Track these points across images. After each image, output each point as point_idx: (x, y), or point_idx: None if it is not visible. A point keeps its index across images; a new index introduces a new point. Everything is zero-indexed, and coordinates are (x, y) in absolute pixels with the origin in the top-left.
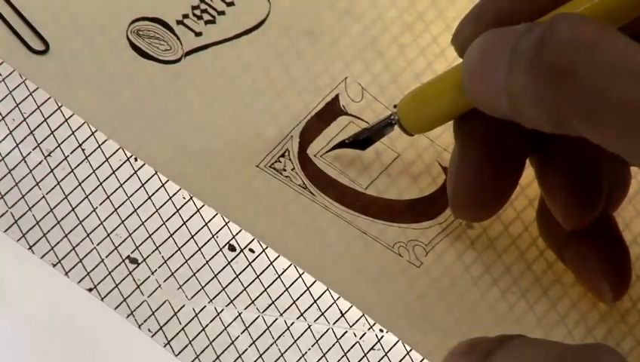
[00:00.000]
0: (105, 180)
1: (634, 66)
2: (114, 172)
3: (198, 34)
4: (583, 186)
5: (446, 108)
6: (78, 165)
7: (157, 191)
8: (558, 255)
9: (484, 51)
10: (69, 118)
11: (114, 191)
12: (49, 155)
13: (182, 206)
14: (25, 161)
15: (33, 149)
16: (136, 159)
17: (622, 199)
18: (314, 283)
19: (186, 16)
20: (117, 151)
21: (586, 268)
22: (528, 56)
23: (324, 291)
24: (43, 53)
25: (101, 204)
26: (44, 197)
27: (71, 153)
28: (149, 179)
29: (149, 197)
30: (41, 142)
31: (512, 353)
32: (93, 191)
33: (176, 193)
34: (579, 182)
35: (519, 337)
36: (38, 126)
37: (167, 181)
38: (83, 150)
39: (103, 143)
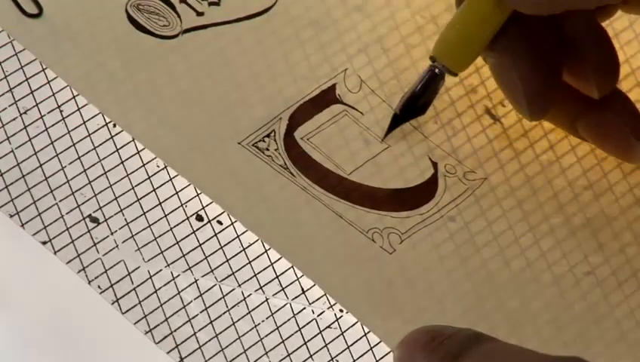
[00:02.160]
0: (78, 142)
1: None
2: (89, 135)
3: (200, 13)
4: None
5: (481, 32)
6: (54, 125)
7: (131, 157)
8: (570, 130)
9: None
10: (51, 80)
11: (86, 153)
12: (25, 113)
13: (154, 174)
14: None
15: (9, 105)
16: (114, 125)
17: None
18: (278, 259)
19: None
20: (96, 115)
21: (610, 128)
22: None
23: (288, 268)
24: (36, 16)
25: (70, 163)
26: (12, 151)
27: (48, 113)
28: (124, 145)
29: (122, 162)
30: (19, 100)
31: (484, 358)
32: (64, 150)
33: (150, 161)
34: (605, 55)
35: (492, 340)
36: (18, 84)
37: (143, 149)
38: (61, 111)
39: (82, 107)
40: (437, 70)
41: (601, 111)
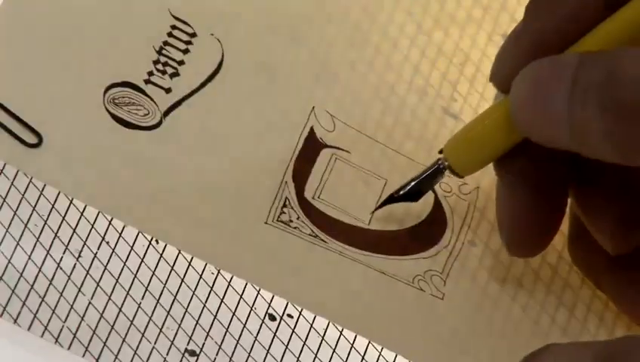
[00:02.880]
0: (138, 271)
1: None
2: (142, 260)
3: (167, 90)
4: (631, 212)
5: (494, 145)
6: (109, 262)
7: (187, 270)
8: (594, 281)
9: (536, 82)
10: (82, 211)
11: (149, 282)
12: (80, 256)
13: (213, 282)
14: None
15: (64, 253)
16: (157, 241)
17: None
18: (355, 338)
19: (150, 73)
20: (137, 236)
21: (630, 293)
22: (597, 90)
23: (367, 344)
24: (36, 145)
25: (143, 298)
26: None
27: (98, 250)
28: (175, 260)
29: (182, 280)
30: (68, 244)
31: (554, 357)
32: (131, 286)
33: (204, 269)
34: (628, 209)
35: (550, 346)
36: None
37: (192, 259)
38: (107, 243)
39: (122, 231)
40: (442, 166)
41: (623, 272)
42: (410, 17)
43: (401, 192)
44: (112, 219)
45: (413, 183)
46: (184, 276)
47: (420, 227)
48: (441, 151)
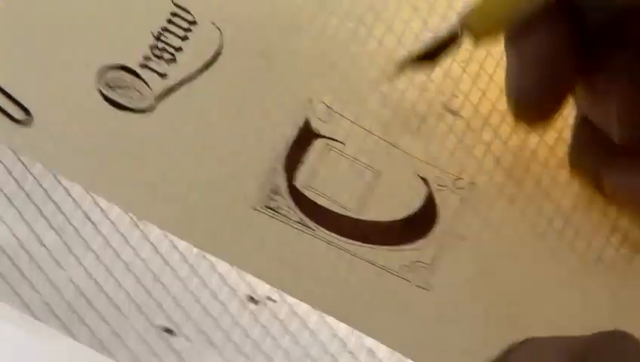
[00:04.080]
0: (122, 251)
1: None
2: (127, 240)
3: (162, 75)
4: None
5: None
6: (93, 237)
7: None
8: (595, 181)
9: None
10: (68, 188)
11: (130, 260)
12: (60, 232)
13: (196, 263)
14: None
15: (47, 230)
16: (139, 220)
17: None
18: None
19: (147, 58)
20: (121, 215)
21: (633, 190)
22: None
23: (350, 332)
24: (26, 122)
25: (124, 276)
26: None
27: (81, 226)
28: (159, 240)
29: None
30: (50, 218)
31: (530, 349)
32: (114, 264)
33: (187, 250)
34: (635, 90)
35: (528, 340)
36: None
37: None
38: (90, 220)
39: (108, 210)
40: (459, 31)
41: (626, 164)
42: (417, 13)
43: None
44: (96, 198)
45: (429, 46)
46: (167, 256)
47: (411, 219)
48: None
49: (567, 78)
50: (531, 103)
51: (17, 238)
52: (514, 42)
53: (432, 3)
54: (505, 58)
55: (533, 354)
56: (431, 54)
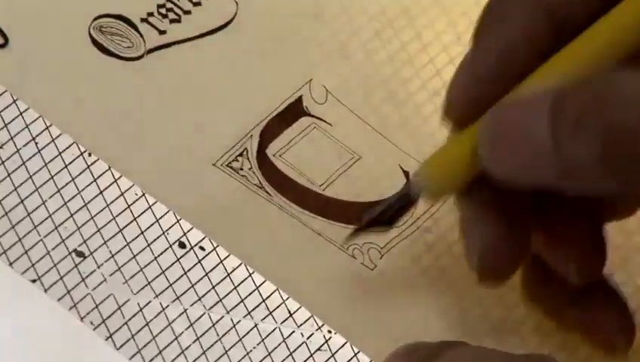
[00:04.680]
0: (56, 174)
1: None
2: (66, 166)
3: (162, 32)
4: (595, 241)
5: (464, 176)
6: (30, 158)
7: (109, 186)
8: (556, 318)
9: (508, 122)
10: (23, 111)
11: (65, 185)
12: (1, 147)
13: (134, 202)
14: None
15: None
16: (90, 154)
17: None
18: (263, 282)
19: (151, 14)
20: (71, 145)
21: (597, 324)
22: (589, 117)
23: (274, 291)
24: (1, 46)
25: (51, 197)
26: None
27: (23, 146)
28: (101, 175)
29: (101, 192)
30: None
31: (454, 359)
32: (43, 184)
33: (128, 189)
34: (591, 238)
35: (460, 344)
36: None
37: (120, 177)
38: (36, 143)
39: (56, 138)
40: (413, 192)
41: (587, 301)
42: (451, 28)
43: (377, 215)
44: (50, 125)
45: (386, 207)
46: (104, 189)
47: (372, 204)
48: (415, 176)
49: (524, 241)
50: (491, 272)
51: None
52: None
53: (469, 25)
54: None
55: (464, 359)
56: (387, 219)
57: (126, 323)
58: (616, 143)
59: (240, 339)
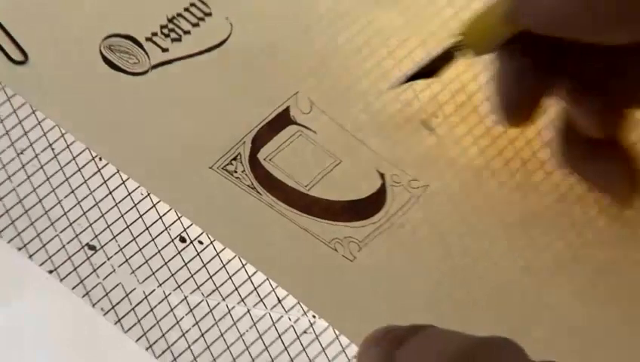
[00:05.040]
0: (70, 176)
1: None
2: (79, 169)
3: (164, 50)
4: (613, 98)
5: (501, 31)
6: (47, 162)
7: (117, 187)
8: (577, 171)
9: None
10: (41, 121)
11: (78, 186)
12: (21, 153)
13: (139, 201)
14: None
15: (7, 147)
16: (100, 159)
17: None
18: (255, 273)
19: (155, 34)
20: (83, 151)
21: (609, 176)
22: None
23: (264, 280)
24: (22, 63)
25: (66, 197)
26: (14, 189)
27: (41, 152)
28: (111, 177)
29: (110, 193)
30: (15, 142)
31: (421, 342)
32: (59, 185)
33: (134, 190)
34: (610, 95)
35: (430, 327)
36: (13, 127)
37: (128, 179)
38: (52, 149)
39: (71, 144)
40: (455, 49)
41: (604, 157)
42: (422, 46)
43: (418, 71)
44: (65, 133)
45: (431, 59)
46: (113, 190)
47: (357, 203)
48: (460, 35)
49: (531, 95)
50: (506, 114)
51: None
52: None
53: (438, 43)
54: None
55: (430, 343)
56: (428, 72)
57: (133, 309)
58: None
59: (234, 323)
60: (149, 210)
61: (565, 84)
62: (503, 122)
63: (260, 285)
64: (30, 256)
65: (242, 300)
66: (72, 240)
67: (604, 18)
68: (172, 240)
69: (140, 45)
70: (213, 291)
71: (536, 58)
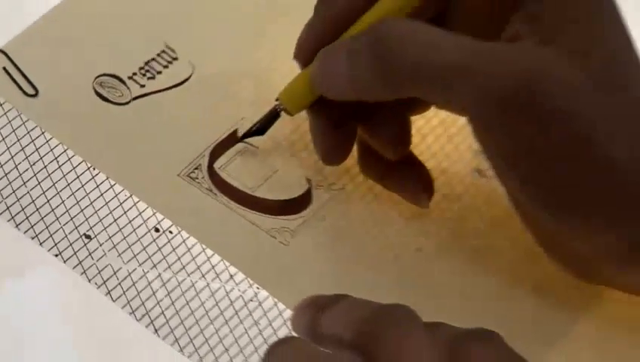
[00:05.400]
0: (72, 182)
1: (434, 42)
2: (78, 177)
3: (142, 86)
4: (403, 129)
5: (308, 97)
6: (54, 171)
7: (107, 190)
8: (381, 183)
9: (325, 62)
10: (49, 140)
11: (77, 190)
12: (34, 164)
13: (124, 201)
14: (17, 168)
15: (23, 160)
16: (94, 168)
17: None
18: (213, 255)
19: (134, 73)
20: (81, 163)
21: (407, 186)
22: (367, 50)
23: (220, 261)
24: (34, 96)
25: (68, 198)
26: (28, 192)
27: (49, 163)
28: (102, 182)
29: (102, 194)
30: (29, 156)
31: (340, 309)
32: (62, 189)
33: (120, 192)
34: (400, 128)
35: (349, 297)
36: (27, 145)
37: (115, 184)
38: (57, 161)
39: (71, 157)
40: (279, 108)
41: (400, 171)
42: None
43: (251, 130)
44: (67, 149)
45: (261, 119)
46: (105, 192)
47: (290, 202)
48: (277, 100)
49: (337, 142)
50: (324, 158)
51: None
52: (311, 114)
53: None
54: None
55: (346, 309)
56: (259, 130)
57: (119, 283)
58: (383, 67)
59: (197, 294)
60: (131, 207)
61: (364, 127)
62: (324, 163)
63: (216, 264)
64: (41, 244)
65: (203, 276)
66: (72, 231)
67: (375, 88)
68: (149, 231)
69: (124, 82)
70: (181, 269)
71: (337, 113)
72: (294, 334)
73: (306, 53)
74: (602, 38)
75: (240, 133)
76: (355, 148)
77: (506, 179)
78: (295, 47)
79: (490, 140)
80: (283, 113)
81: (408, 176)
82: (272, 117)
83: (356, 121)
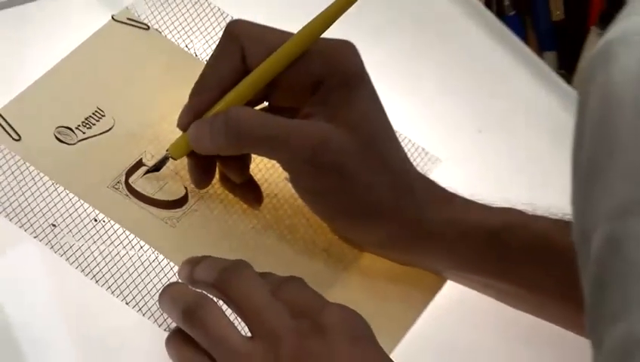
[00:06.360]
0: (43, 192)
1: (262, 122)
2: (47, 189)
3: (84, 132)
4: (244, 165)
5: (186, 149)
6: (35, 184)
7: (65, 196)
8: (232, 193)
9: (196, 131)
10: (29, 166)
11: (49, 195)
12: (20, 182)
13: (76, 202)
14: (9, 185)
15: (12, 181)
16: (57, 183)
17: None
18: (130, 234)
19: (79, 125)
20: (49, 181)
21: (247, 196)
22: (222, 125)
23: (134, 237)
24: (18, 140)
25: (43, 200)
26: (17, 199)
27: (30, 182)
28: (62, 191)
29: (61, 199)
30: (16, 177)
31: (205, 264)
32: (38, 196)
33: (73, 197)
34: (242, 167)
35: (210, 256)
36: (16, 169)
37: (69, 192)
38: (35, 182)
39: (43, 177)
40: (167, 155)
41: (243, 187)
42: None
43: (151, 168)
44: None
45: (157, 163)
46: (63, 197)
47: (176, 200)
48: (167, 150)
49: (204, 175)
50: (196, 184)
51: None
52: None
53: (168, 127)
54: None
55: (210, 263)
56: (156, 168)
57: (73, 253)
58: (232, 135)
59: (120, 258)
60: (79, 206)
61: (221, 164)
62: (197, 188)
63: (132, 240)
64: (26, 230)
65: (124, 247)
66: (44, 222)
67: (227, 148)
68: (91, 220)
69: (73, 131)
70: (111, 244)
71: (203, 159)
72: (179, 281)
73: (184, 123)
74: (368, 117)
75: (144, 161)
76: (217, 171)
77: (308, 203)
78: (178, 118)
79: (299, 182)
80: (170, 158)
81: (247, 191)
82: (163, 160)
83: (216, 161)
